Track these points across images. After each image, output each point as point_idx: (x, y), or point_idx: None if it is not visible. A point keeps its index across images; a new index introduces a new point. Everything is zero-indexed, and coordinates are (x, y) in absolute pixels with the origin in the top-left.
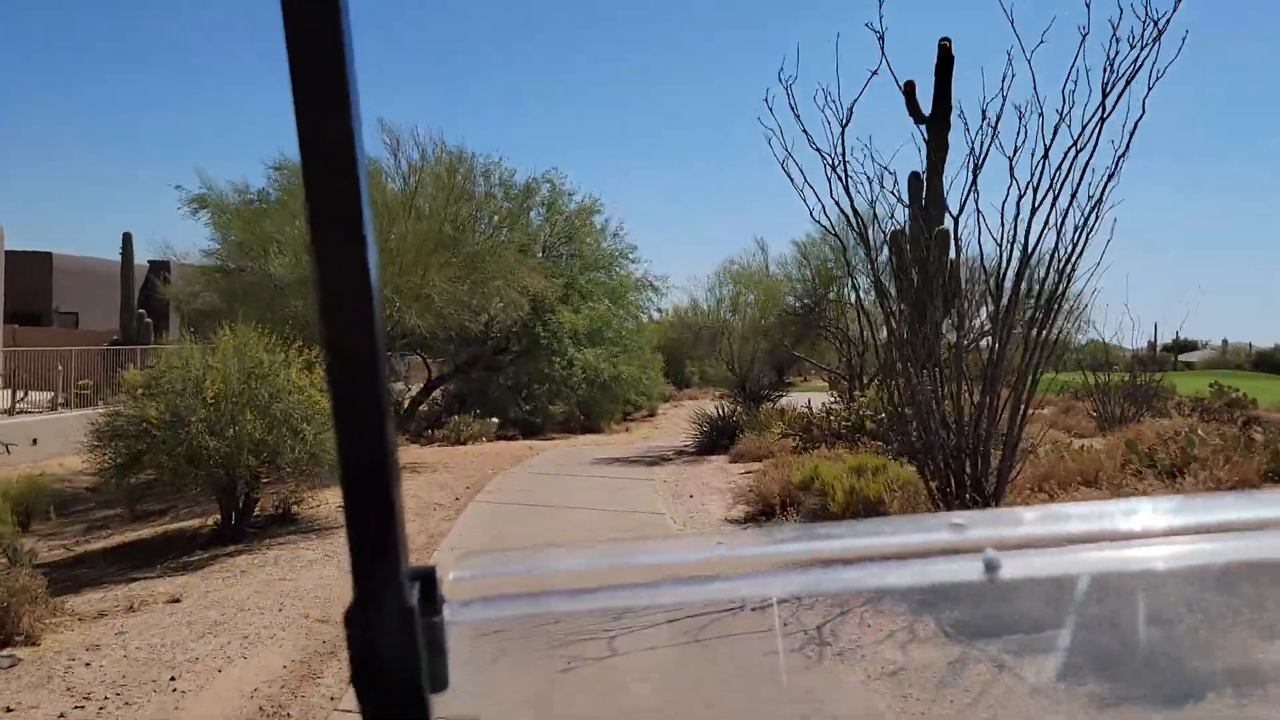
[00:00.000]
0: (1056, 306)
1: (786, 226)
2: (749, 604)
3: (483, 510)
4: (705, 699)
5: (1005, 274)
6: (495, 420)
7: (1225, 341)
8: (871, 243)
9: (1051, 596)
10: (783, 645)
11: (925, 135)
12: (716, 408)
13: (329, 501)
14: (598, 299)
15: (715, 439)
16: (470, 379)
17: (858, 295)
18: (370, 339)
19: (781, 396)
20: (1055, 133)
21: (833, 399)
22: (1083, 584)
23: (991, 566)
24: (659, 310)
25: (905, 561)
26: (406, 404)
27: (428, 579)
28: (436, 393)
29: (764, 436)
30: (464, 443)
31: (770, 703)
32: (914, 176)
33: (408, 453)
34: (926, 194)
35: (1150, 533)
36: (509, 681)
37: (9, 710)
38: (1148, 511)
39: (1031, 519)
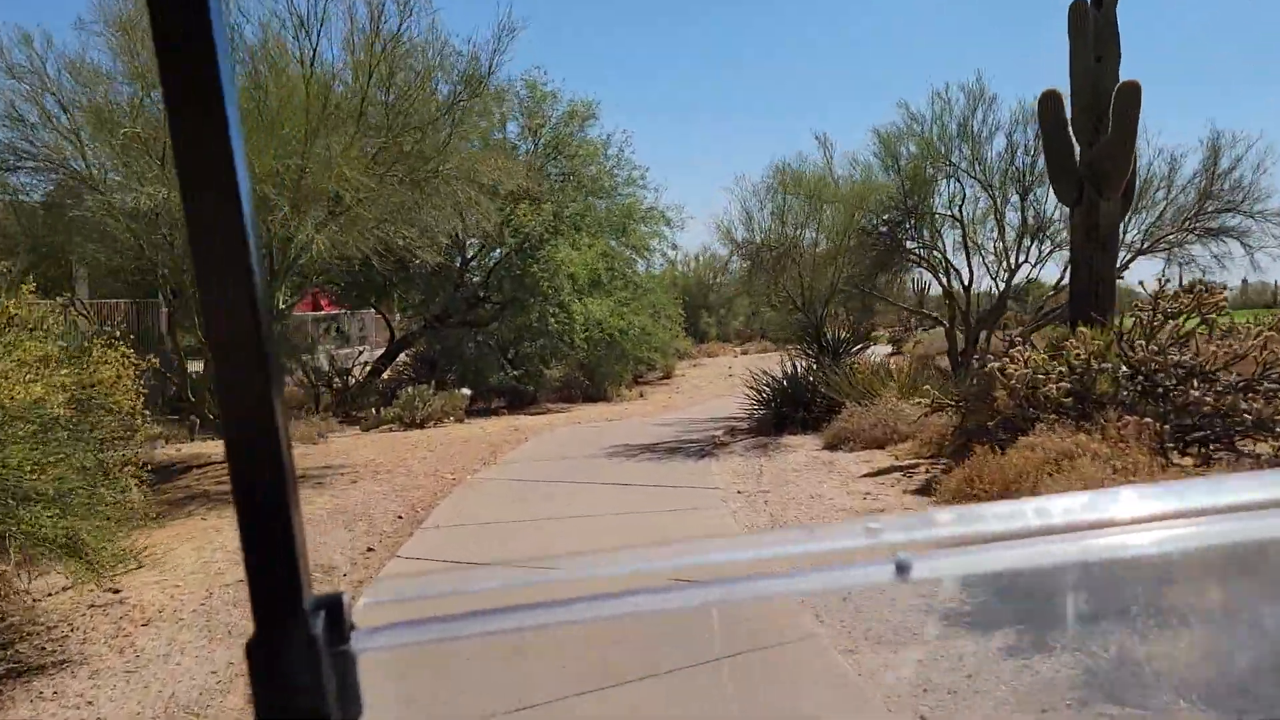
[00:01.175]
0: None
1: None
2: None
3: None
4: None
5: None
6: (467, 391)
7: None
8: None
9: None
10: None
11: None
12: (788, 365)
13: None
14: (598, 233)
15: (783, 410)
16: (443, 337)
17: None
18: (254, 325)
19: (863, 349)
20: None
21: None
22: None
23: (903, 568)
24: (674, 247)
25: (821, 568)
26: (359, 373)
27: (334, 607)
28: (404, 356)
29: (876, 406)
30: (422, 424)
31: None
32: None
33: (334, 445)
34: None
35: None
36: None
37: None
38: (1057, 509)
39: (946, 520)
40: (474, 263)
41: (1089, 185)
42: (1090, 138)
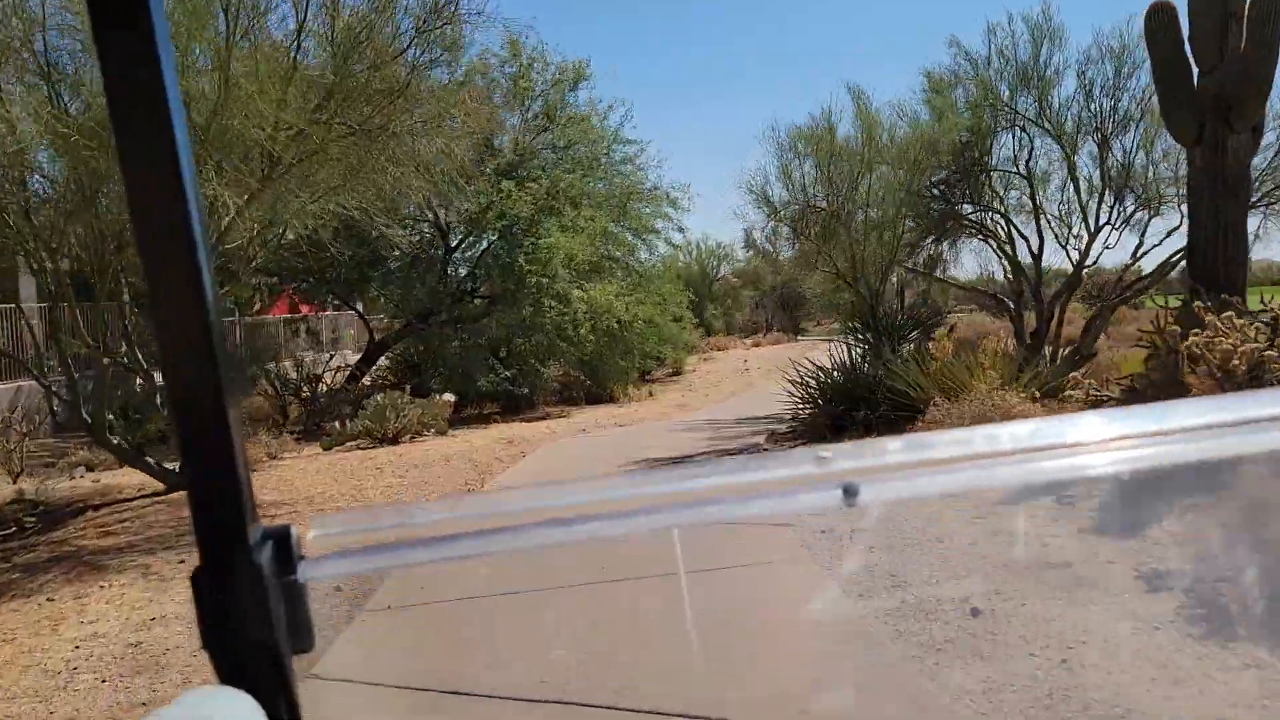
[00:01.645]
0: None
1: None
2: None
3: None
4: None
5: None
6: (449, 398)
7: None
8: None
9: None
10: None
11: None
12: (835, 354)
13: None
14: (594, 214)
15: (838, 408)
16: (427, 337)
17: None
18: (193, 260)
19: (928, 330)
20: None
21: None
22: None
23: (850, 492)
24: (680, 230)
25: (769, 494)
26: (332, 380)
27: (282, 538)
28: (385, 360)
29: (969, 401)
30: (395, 439)
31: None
32: None
33: (279, 471)
34: None
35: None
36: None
37: None
38: (1005, 435)
39: (896, 448)
40: (459, 252)
41: (1213, 117)
42: (1214, 59)
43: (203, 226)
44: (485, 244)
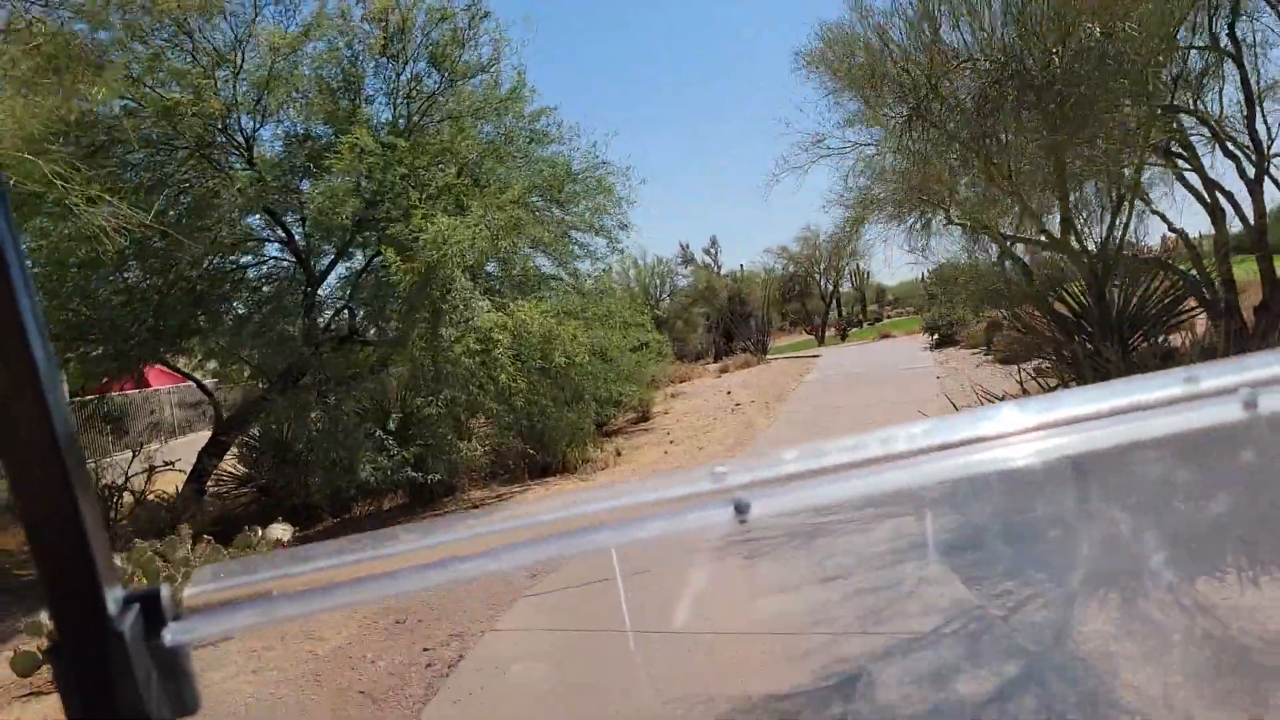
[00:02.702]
0: None
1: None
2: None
3: None
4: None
5: None
6: (281, 532)
7: None
8: None
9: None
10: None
11: None
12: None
13: None
14: (512, 193)
15: None
16: (299, 404)
17: None
18: (17, 314)
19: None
20: None
21: None
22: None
23: (741, 508)
24: (624, 227)
25: (664, 514)
26: (146, 485)
27: (150, 599)
28: (236, 449)
29: None
30: None
31: None
32: None
33: None
34: None
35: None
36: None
37: None
38: (901, 436)
39: (791, 458)
40: (333, 274)
41: None
42: None
43: (28, 280)
44: (363, 260)
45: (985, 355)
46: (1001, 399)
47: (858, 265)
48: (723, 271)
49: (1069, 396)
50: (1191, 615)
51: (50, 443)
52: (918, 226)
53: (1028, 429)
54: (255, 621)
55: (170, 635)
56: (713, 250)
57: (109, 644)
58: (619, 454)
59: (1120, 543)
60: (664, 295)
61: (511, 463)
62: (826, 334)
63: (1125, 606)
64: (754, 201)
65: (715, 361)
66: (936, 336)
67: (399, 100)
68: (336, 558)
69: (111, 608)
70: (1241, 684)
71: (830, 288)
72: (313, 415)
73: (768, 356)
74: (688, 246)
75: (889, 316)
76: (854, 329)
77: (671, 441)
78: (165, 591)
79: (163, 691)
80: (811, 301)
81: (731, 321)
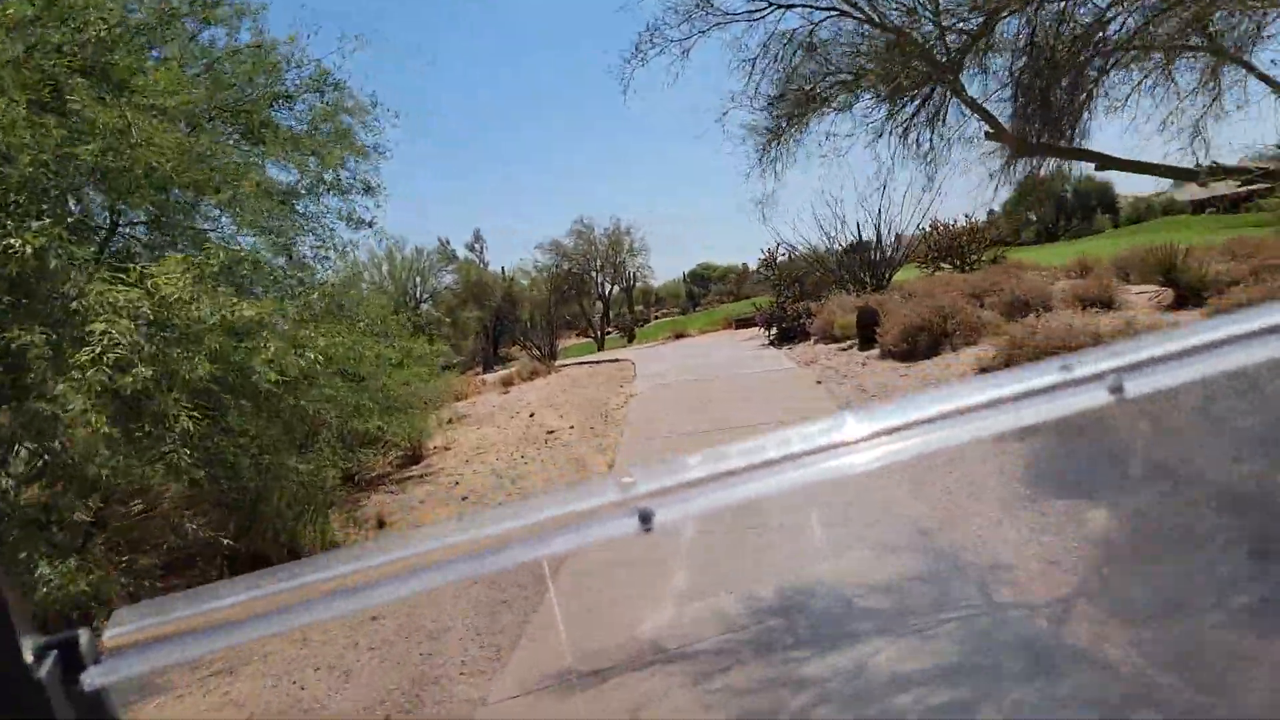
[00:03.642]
0: None
1: None
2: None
3: None
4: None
5: None
6: None
7: None
8: None
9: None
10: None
11: None
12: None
13: None
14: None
15: None
16: None
17: None
18: None
19: None
20: None
21: None
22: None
23: (645, 518)
24: (370, 190)
25: (570, 528)
26: None
27: (69, 645)
28: None
29: None
30: None
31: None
32: None
33: None
34: None
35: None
36: None
37: None
38: (797, 437)
39: (694, 463)
40: None
41: None
42: None
43: None
44: None
45: (863, 349)
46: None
47: (637, 263)
48: (489, 269)
49: (950, 389)
50: None
51: None
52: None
53: (910, 423)
54: (176, 658)
55: (90, 679)
56: (477, 246)
57: (27, 693)
58: (382, 525)
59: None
60: (424, 296)
61: (199, 558)
62: (607, 336)
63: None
64: (523, 191)
65: (486, 371)
66: (774, 332)
67: None
68: (252, 590)
69: (28, 656)
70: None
71: (610, 286)
72: None
73: (557, 364)
74: (448, 242)
75: (656, 317)
76: (641, 327)
77: (465, 498)
78: (84, 636)
79: None
80: (588, 301)
81: (503, 325)
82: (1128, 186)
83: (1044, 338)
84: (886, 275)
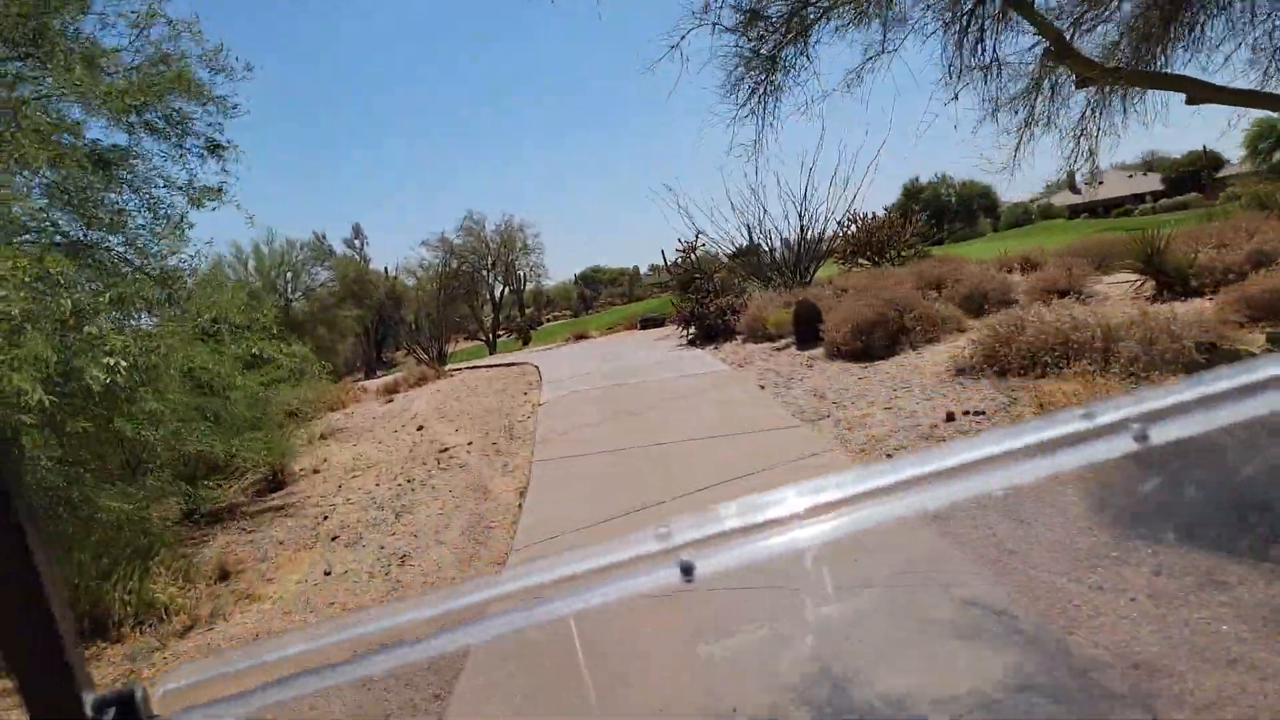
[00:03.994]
0: None
1: None
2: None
3: None
4: None
5: None
6: None
7: None
8: None
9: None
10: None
11: None
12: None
13: None
14: None
15: None
16: None
17: None
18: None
19: None
20: None
21: None
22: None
23: (687, 570)
24: (217, 150)
25: (612, 580)
26: None
27: (125, 702)
28: None
29: None
30: None
31: None
32: None
33: None
34: None
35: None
36: None
37: None
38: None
39: (730, 513)
40: None
41: None
42: None
43: None
44: None
45: (802, 348)
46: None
47: (530, 261)
48: (371, 267)
49: (984, 437)
50: None
51: (24, 553)
52: None
53: (942, 470)
54: (234, 717)
55: None
56: (357, 241)
57: None
58: (225, 576)
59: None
60: (296, 293)
61: None
62: (499, 338)
63: None
64: (408, 186)
65: (368, 377)
66: (693, 330)
67: None
68: (308, 644)
69: (89, 712)
70: None
71: (502, 286)
72: None
73: (447, 368)
74: (324, 236)
75: (548, 319)
76: (536, 329)
77: (335, 538)
78: (139, 692)
79: None
80: (478, 302)
81: (388, 327)
82: (1011, 193)
83: (1035, 332)
84: (811, 270)
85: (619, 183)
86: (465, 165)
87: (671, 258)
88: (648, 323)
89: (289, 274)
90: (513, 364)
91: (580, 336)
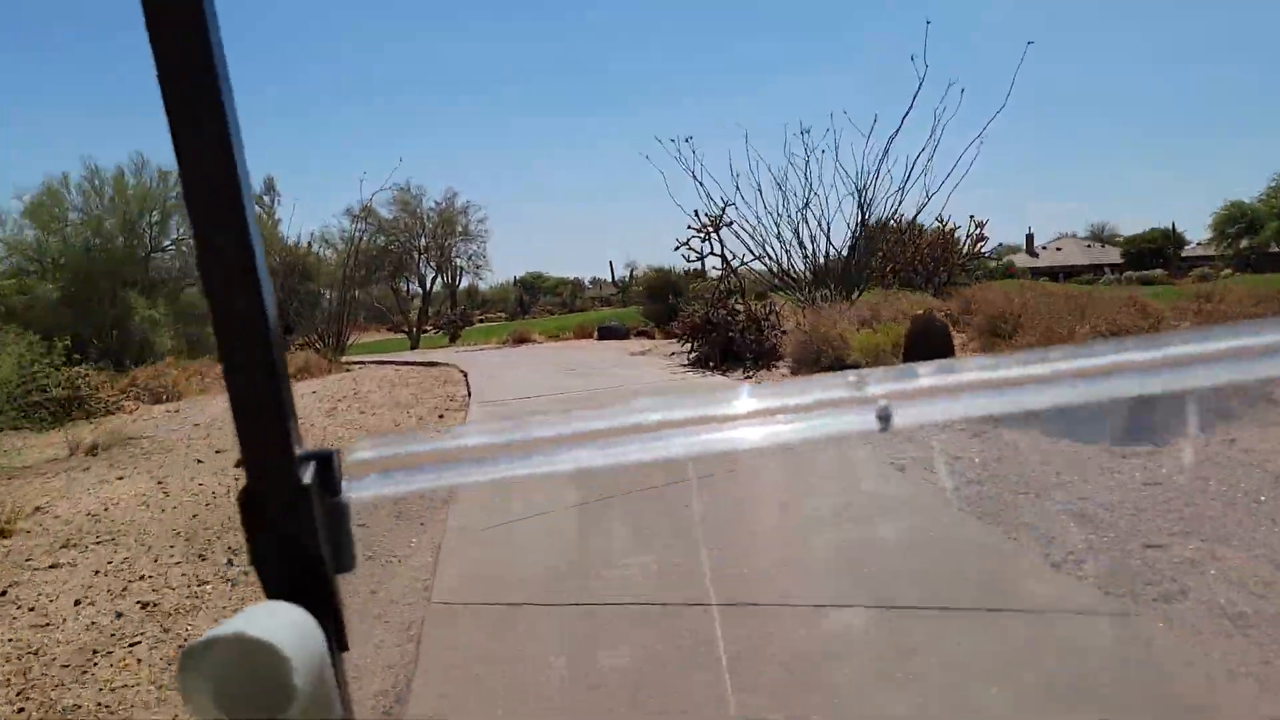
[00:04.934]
0: None
1: None
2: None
3: None
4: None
5: None
6: None
7: None
8: None
9: None
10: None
11: None
12: None
13: None
14: None
15: None
16: None
17: None
18: (235, 192)
19: None
20: None
21: None
22: None
23: (884, 417)
24: None
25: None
26: None
27: (324, 460)
28: None
29: None
30: None
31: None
32: None
33: None
34: None
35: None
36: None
37: None
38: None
39: (927, 371)
40: None
41: None
42: None
43: (244, 165)
44: None
45: None
46: None
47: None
48: (282, 228)
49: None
50: None
51: (262, 329)
52: None
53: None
54: (414, 488)
55: (345, 492)
56: (267, 197)
57: (295, 495)
58: None
59: None
60: (166, 241)
61: None
62: (424, 334)
63: None
64: (353, 145)
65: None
66: (698, 346)
67: None
68: (485, 437)
69: (297, 462)
70: None
71: (434, 274)
72: None
73: (344, 360)
74: None
75: (479, 320)
76: (468, 327)
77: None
78: (337, 453)
79: (331, 545)
80: (405, 289)
81: (301, 305)
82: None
83: None
84: (864, 281)
85: (568, 190)
86: (418, 137)
87: (683, 238)
88: (608, 332)
89: (154, 215)
90: (433, 364)
91: (522, 340)
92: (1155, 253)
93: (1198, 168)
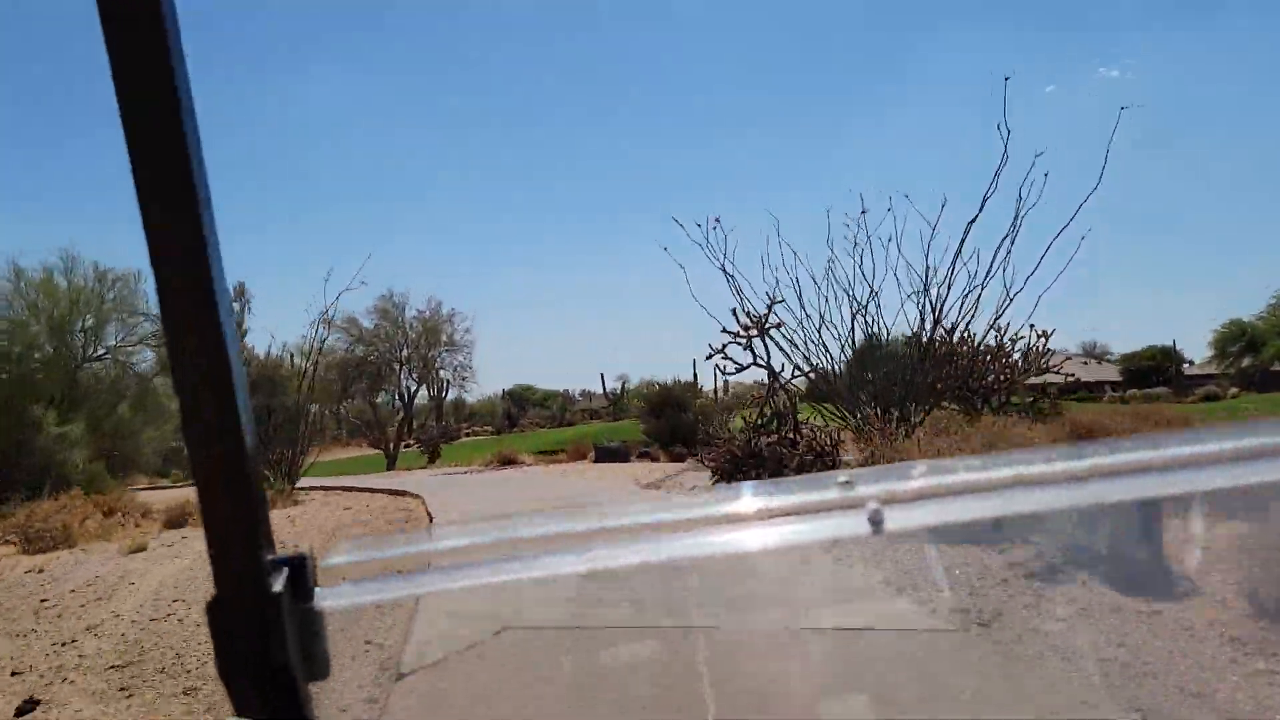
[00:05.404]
0: None
1: None
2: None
3: None
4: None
5: None
6: None
7: None
8: None
9: None
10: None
11: None
12: None
13: None
14: None
15: None
16: None
17: None
18: (210, 296)
19: None
20: None
21: None
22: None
23: (876, 521)
24: None
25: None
26: None
27: (297, 566)
28: None
29: None
30: None
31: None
32: None
33: None
34: None
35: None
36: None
37: None
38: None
39: (920, 472)
40: None
41: None
42: None
43: (220, 264)
44: None
45: None
46: None
47: (456, 361)
48: (249, 337)
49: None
50: None
51: (235, 435)
52: None
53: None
54: (390, 595)
55: (318, 600)
56: (239, 302)
57: (265, 604)
58: None
59: None
60: (100, 349)
61: None
62: (405, 449)
63: None
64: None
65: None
66: (727, 481)
67: None
68: (469, 538)
69: (267, 569)
70: None
71: (416, 385)
72: None
73: (296, 488)
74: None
75: (467, 434)
76: (451, 443)
77: None
78: (310, 559)
79: (303, 653)
80: (388, 402)
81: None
82: None
83: None
84: (924, 407)
85: (557, 302)
86: (408, 246)
87: (717, 343)
88: (607, 454)
89: (88, 320)
90: (402, 492)
91: (508, 462)
92: (1154, 370)
93: (1190, 285)
